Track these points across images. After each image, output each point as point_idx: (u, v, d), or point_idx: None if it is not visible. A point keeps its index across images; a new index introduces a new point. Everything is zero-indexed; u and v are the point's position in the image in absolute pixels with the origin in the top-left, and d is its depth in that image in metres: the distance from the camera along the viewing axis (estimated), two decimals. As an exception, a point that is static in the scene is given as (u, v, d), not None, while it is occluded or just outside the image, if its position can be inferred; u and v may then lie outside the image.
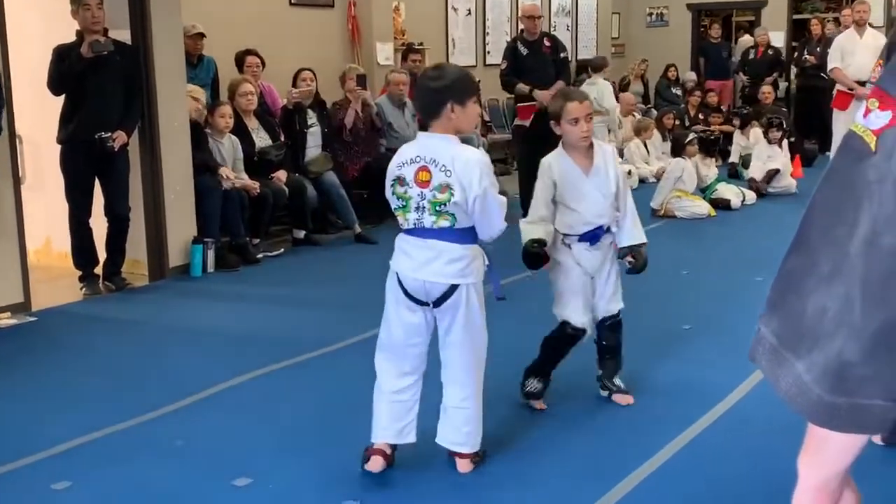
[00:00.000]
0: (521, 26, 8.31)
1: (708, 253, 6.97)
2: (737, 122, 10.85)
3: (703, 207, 8.38)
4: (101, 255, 6.25)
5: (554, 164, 3.88)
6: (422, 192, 3.15)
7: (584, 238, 3.85)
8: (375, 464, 3.31)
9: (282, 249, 7.30)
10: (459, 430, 3.33)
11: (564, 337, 3.92)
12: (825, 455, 1.87)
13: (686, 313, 5.27)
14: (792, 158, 9.96)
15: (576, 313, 3.87)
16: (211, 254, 6.61)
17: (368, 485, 3.27)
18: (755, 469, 3.31)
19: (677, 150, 8.64)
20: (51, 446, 3.65)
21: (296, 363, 4.62)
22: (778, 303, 1.79)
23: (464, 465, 3.36)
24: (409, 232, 3.22)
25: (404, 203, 3.19)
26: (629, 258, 3.92)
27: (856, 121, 1.78)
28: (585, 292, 3.89)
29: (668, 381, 4.21)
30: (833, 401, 1.65)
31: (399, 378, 3.32)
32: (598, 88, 9.53)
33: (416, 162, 3.19)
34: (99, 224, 6.16)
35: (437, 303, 3.22)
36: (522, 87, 7.97)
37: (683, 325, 5.06)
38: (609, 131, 9.74)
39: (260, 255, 7.01)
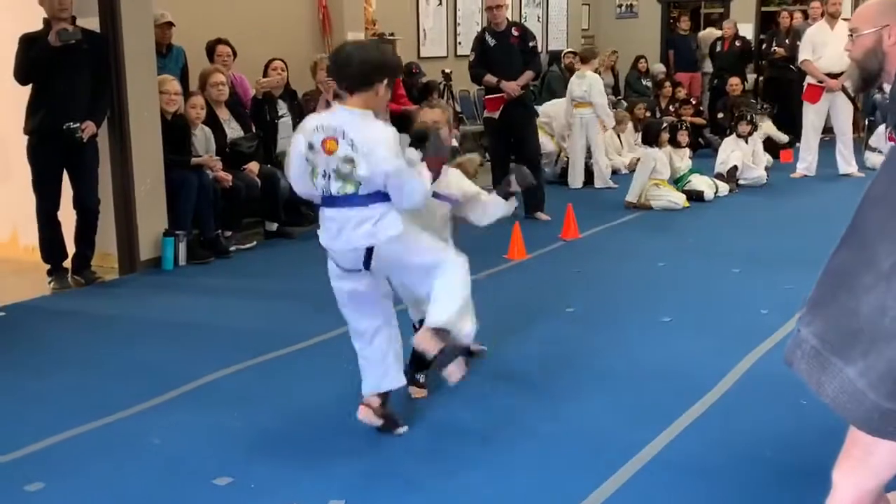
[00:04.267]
0: (487, 18, 8.24)
1: (684, 245, 6.96)
2: (745, 127, 9.73)
3: (678, 198, 8.38)
4: (70, 248, 6.12)
5: None
6: (327, 160, 3.27)
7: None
8: (360, 412, 3.53)
9: (254, 242, 7.20)
10: (445, 306, 3.38)
11: None
12: (869, 465, 1.73)
13: (665, 306, 5.25)
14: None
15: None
16: (182, 247, 6.50)
17: (353, 482, 3.22)
18: (743, 460, 3.29)
19: (649, 139, 8.61)
20: (22, 446, 3.55)
21: (273, 357, 4.55)
22: (823, 302, 1.65)
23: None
24: (322, 203, 3.36)
25: (312, 168, 3.33)
26: None
27: None
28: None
29: (652, 375, 4.18)
30: (892, 407, 1.55)
31: (358, 338, 3.58)
32: (587, 81, 9.50)
33: (324, 131, 3.28)
34: (67, 217, 6.03)
35: (366, 266, 3.35)
36: (490, 79, 7.92)
37: (663, 318, 5.03)
38: (604, 127, 9.70)
39: (232, 248, 6.90)
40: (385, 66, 3.33)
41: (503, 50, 7.93)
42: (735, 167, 9.31)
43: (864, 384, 1.55)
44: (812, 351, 1.64)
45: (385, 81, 3.31)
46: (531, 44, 8.09)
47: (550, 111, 10.09)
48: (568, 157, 9.86)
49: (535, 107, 8.74)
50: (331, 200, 3.32)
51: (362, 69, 3.28)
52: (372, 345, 3.55)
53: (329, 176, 3.27)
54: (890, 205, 1.60)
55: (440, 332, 3.33)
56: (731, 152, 9.43)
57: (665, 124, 8.79)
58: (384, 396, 3.58)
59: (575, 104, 9.52)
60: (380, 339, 3.55)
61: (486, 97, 8.23)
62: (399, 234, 3.32)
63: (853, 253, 1.63)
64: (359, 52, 3.32)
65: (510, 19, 8.38)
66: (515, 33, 8.04)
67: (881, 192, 1.65)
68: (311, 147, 3.30)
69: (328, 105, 7.90)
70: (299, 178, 3.43)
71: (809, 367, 1.66)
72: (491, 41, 8.01)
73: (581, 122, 9.42)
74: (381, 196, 3.29)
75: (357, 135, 3.22)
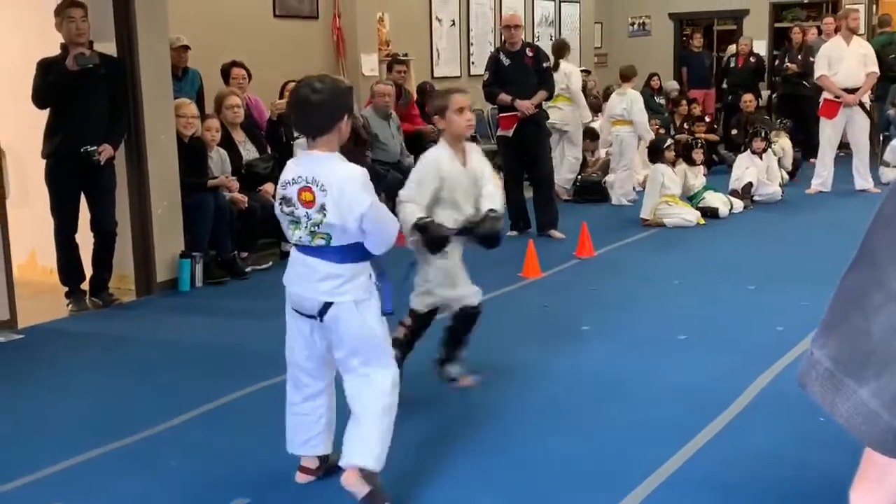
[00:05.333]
0: (503, 36, 8.30)
1: (699, 262, 6.95)
2: (760, 143, 9.56)
3: (692, 214, 8.37)
4: (88, 270, 6.16)
5: (441, 158, 4.00)
6: (307, 213, 3.09)
7: (461, 233, 4.01)
8: (301, 477, 3.40)
9: (270, 263, 7.23)
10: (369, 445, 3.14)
11: (470, 317, 4.18)
12: (886, 486, 1.70)
13: (681, 323, 5.24)
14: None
15: (476, 296, 4.16)
16: (199, 268, 6.54)
17: None
18: (761, 479, 3.27)
19: (654, 156, 8.62)
20: (42, 468, 3.57)
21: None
22: (835, 323, 1.63)
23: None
24: (296, 246, 3.22)
25: (296, 220, 3.13)
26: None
27: None
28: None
29: (669, 392, 4.17)
30: None
31: (299, 391, 3.40)
32: (628, 98, 9.53)
33: (296, 182, 3.10)
34: (85, 239, 6.08)
35: (320, 316, 3.19)
36: (504, 98, 7.96)
37: (679, 336, 5.02)
38: (640, 140, 9.74)
39: (248, 269, 6.94)
40: (343, 104, 3.17)
41: (517, 69, 7.97)
42: (750, 183, 9.29)
43: (878, 405, 1.52)
44: (826, 373, 1.61)
45: (345, 118, 3.16)
46: (545, 64, 8.13)
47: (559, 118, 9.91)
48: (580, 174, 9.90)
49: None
50: (304, 249, 3.17)
51: (315, 114, 3.12)
52: (309, 404, 3.37)
53: (307, 228, 3.11)
54: None
55: (368, 475, 3.11)
56: (746, 169, 9.42)
57: (669, 141, 8.78)
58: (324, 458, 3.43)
59: (613, 122, 9.54)
60: (319, 402, 3.38)
61: (500, 115, 8.28)
62: (360, 302, 3.14)
63: (863, 274, 1.63)
64: (315, 96, 3.09)
65: (524, 40, 8.43)
66: (530, 54, 8.08)
67: (891, 211, 1.65)
68: (287, 202, 3.12)
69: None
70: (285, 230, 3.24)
71: (823, 389, 1.61)
72: (505, 61, 8.05)
73: (618, 140, 9.43)
74: (355, 253, 3.13)
75: (326, 179, 3.06)
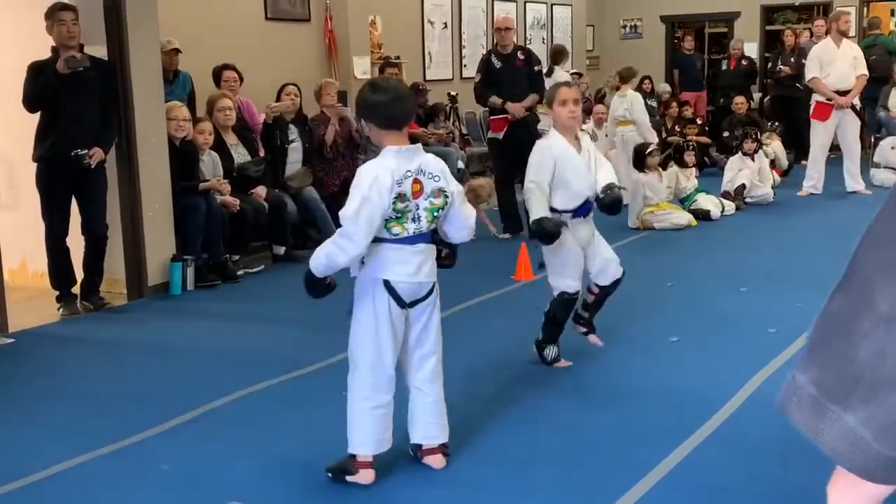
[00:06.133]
0: (495, 39, 8.29)
1: (690, 264, 6.95)
2: (751, 145, 9.60)
3: (682, 217, 8.36)
4: (79, 274, 6.14)
5: (553, 144, 4.47)
6: (416, 203, 3.22)
7: (577, 213, 4.45)
8: (369, 475, 3.32)
9: (262, 266, 7.22)
10: (440, 423, 3.45)
11: (564, 303, 4.54)
12: (864, 489, 1.68)
13: (673, 325, 5.24)
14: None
15: (573, 282, 4.49)
16: (190, 271, 6.52)
17: (362, 507, 3.21)
18: (754, 480, 3.27)
19: (637, 164, 8.54)
20: (32, 473, 3.55)
21: (280, 382, 4.54)
22: (819, 347, 1.57)
23: (440, 460, 3.45)
24: (403, 241, 3.25)
25: (401, 215, 3.21)
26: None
27: None
28: (579, 263, 4.51)
29: (661, 394, 4.17)
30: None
31: (389, 389, 3.34)
32: (629, 99, 9.55)
33: (408, 175, 3.22)
34: (76, 243, 6.06)
35: (415, 302, 3.32)
36: (495, 100, 7.95)
37: (671, 338, 5.02)
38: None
39: (240, 272, 6.92)
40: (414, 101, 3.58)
41: (509, 72, 7.97)
42: (743, 185, 9.30)
43: (867, 434, 1.45)
44: (809, 398, 1.52)
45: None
46: (536, 67, 8.13)
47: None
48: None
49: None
50: (419, 238, 3.28)
51: (411, 106, 3.40)
52: (391, 397, 3.38)
53: (419, 218, 3.24)
54: (890, 246, 1.55)
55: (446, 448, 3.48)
56: (738, 171, 9.43)
57: (653, 146, 8.71)
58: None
59: (616, 122, 9.56)
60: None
61: (491, 118, 8.27)
62: None
63: (851, 296, 1.57)
64: (406, 90, 3.45)
65: (516, 42, 8.43)
66: (521, 56, 8.08)
67: (882, 233, 1.61)
68: (402, 197, 3.18)
69: (336, 131, 7.98)
70: (370, 239, 3.19)
71: (804, 415, 1.54)
72: (497, 63, 8.05)
73: (622, 140, 9.45)
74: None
75: (432, 167, 3.29)
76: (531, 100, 7.94)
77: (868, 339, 1.47)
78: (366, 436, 3.31)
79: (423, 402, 3.42)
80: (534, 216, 4.34)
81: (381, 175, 3.15)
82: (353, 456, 3.32)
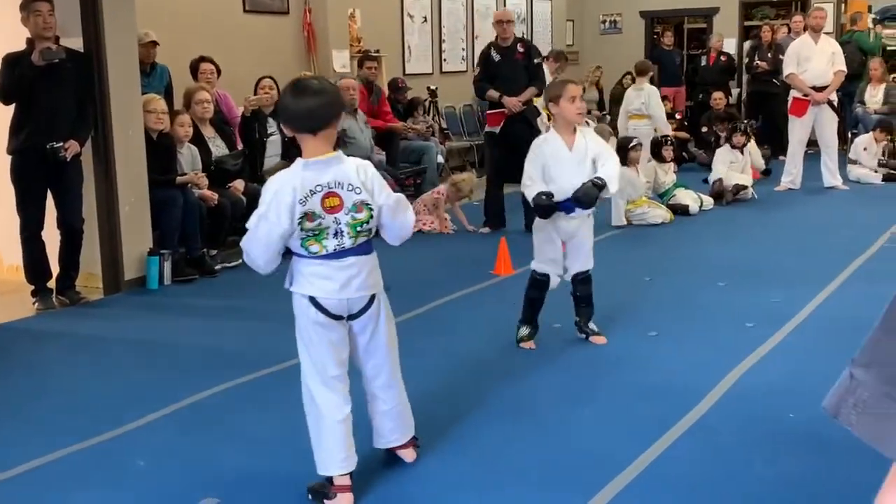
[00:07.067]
0: (496, 32, 8.24)
1: (669, 259, 6.97)
2: (740, 138, 9.64)
3: (658, 215, 8.36)
4: (55, 268, 6.08)
5: (547, 144, 4.64)
6: (336, 218, 2.98)
7: (561, 207, 4.54)
8: (347, 500, 3.15)
9: (240, 260, 7.08)
10: (403, 426, 3.41)
11: (533, 282, 4.79)
12: None
13: (651, 320, 5.26)
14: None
15: (540, 264, 4.73)
16: (168, 266, 6.48)
17: (340, 503, 3.19)
18: (731, 474, 3.28)
19: (622, 156, 8.54)
20: (6, 469, 3.51)
21: (259, 377, 4.52)
22: (886, 342, 1.38)
23: (410, 454, 3.45)
24: (326, 257, 3.03)
25: (317, 233, 2.99)
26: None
27: None
28: (553, 250, 4.70)
29: (639, 389, 4.17)
30: None
31: (345, 403, 3.16)
32: (646, 92, 9.54)
33: (317, 192, 2.96)
34: (51, 237, 6.00)
35: (354, 315, 3.13)
36: (493, 94, 7.92)
37: (650, 333, 5.04)
38: (655, 132, 9.77)
39: (218, 267, 6.88)
40: (339, 100, 3.14)
41: (507, 65, 7.93)
42: (745, 186, 9.26)
43: None
44: (870, 399, 1.33)
45: (340, 115, 3.10)
46: (536, 60, 8.07)
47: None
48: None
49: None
50: (343, 253, 3.04)
51: (329, 104, 3.00)
52: (349, 410, 3.21)
53: (342, 233, 3.01)
54: None
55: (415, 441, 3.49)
56: (731, 163, 9.40)
57: (635, 140, 8.74)
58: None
59: (630, 116, 9.54)
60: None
61: (489, 112, 8.23)
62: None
63: None
64: (317, 84, 3.04)
65: (517, 35, 8.39)
66: (521, 49, 8.04)
67: None
68: (311, 217, 2.95)
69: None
70: (273, 258, 3.05)
71: (864, 418, 1.33)
72: (496, 56, 8.02)
73: (637, 135, 9.45)
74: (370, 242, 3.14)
75: (352, 179, 3.00)
76: (529, 93, 7.88)
77: None
78: (328, 454, 3.15)
79: (381, 409, 3.32)
80: (531, 196, 4.58)
81: (282, 192, 2.92)
82: (330, 479, 3.18)
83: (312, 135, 2.98)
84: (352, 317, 3.13)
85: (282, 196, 2.92)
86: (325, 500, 3.16)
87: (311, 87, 3.00)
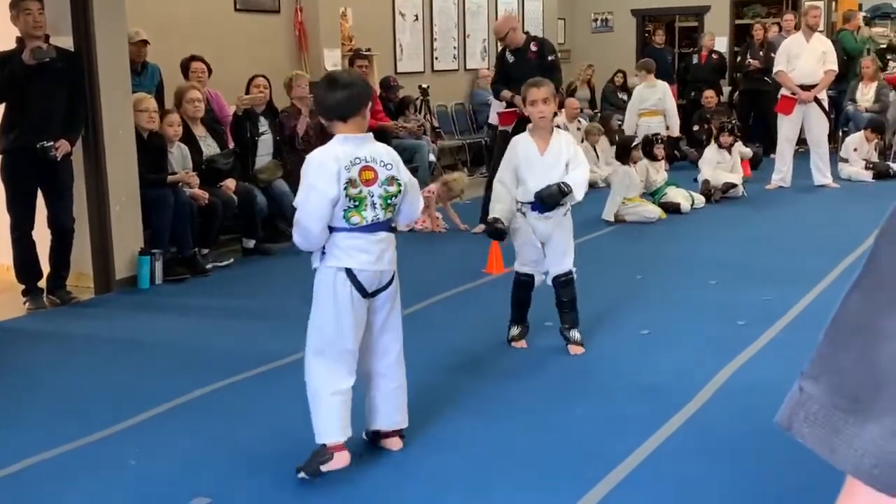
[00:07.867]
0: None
1: (660, 257, 6.98)
2: (727, 138, 9.61)
3: (651, 211, 8.38)
4: (45, 268, 6.06)
5: (519, 145, 4.64)
6: (370, 190, 3.25)
7: (534, 208, 4.53)
8: (344, 457, 3.29)
9: (231, 259, 7.16)
10: (402, 408, 3.52)
11: (518, 283, 4.81)
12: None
13: (643, 318, 5.26)
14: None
15: (521, 266, 4.76)
16: (159, 265, 6.46)
17: (334, 502, 3.19)
18: (723, 472, 3.29)
19: (623, 156, 8.58)
20: (-3, 469, 3.51)
21: (249, 376, 4.51)
22: (833, 353, 1.50)
23: (397, 443, 3.54)
24: (362, 230, 3.27)
25: (357, 203, 3.23)
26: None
27: None
28: (532, 251, 4.69)
29: (631, 387, 4.18)
30: None
31: (350, 376, 3.32)
32: (660, 89, 9.55)
33: (356, 163, 3.24)
34: (42, 236, 5.98)
35: (377, 291, 3.35)
36: (506, 94, 7.93)
37: (641, 331, 5.04)
38: (667, 129, 9.77)
39: (209, 266, 6.86)
40: (367, 90, 3.46)
41: (520, 65, 7.92)
42: (734, 184, 9.28)
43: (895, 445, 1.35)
44: (820, 411, 1.45)
45: (369, 104, 3.40)
46: (550, 57, 8.03)
47: None
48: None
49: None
50: (377, 226, 3.30)
51: (357, 95, 3.33)
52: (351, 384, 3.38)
53: (375, 205, 3.27)
54: None
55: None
56: (717, 164, 9.42)
57: (637, 139, 8.77)
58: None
59: (642, 113, 9.54)
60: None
61: (500, 111, 8.25)
62: None
63: (868, 296, 1.46)
64: (347, 78, 3.41)
65: (529, 34, 8.40)
66: (534, 48, 8.02)
67: None
68: (353, 183, 3.21)
69: (307, 122, 7.94)
70: (325, 229, 3.25)
71: (814, 430, 1.43)
72: (510, 57, 8.04)
73: (648, 131, 9.44)
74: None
75: (384, 156, 3.32)
76: None
77: (892, 340, 1.41)
78: (329, 422, 3.28)
79: (387, 387, 3.46)
80: (490, 214, 4.64)
81: (326, 161, 3.21)
82: (324, 445, 3.28)
83: (343, 122, 3.29)
84: (375, 292, 3.34)
85: (326, 166, 3.19)
86: (321, 467, 3.25)
87: (341, 81, 3.34)
